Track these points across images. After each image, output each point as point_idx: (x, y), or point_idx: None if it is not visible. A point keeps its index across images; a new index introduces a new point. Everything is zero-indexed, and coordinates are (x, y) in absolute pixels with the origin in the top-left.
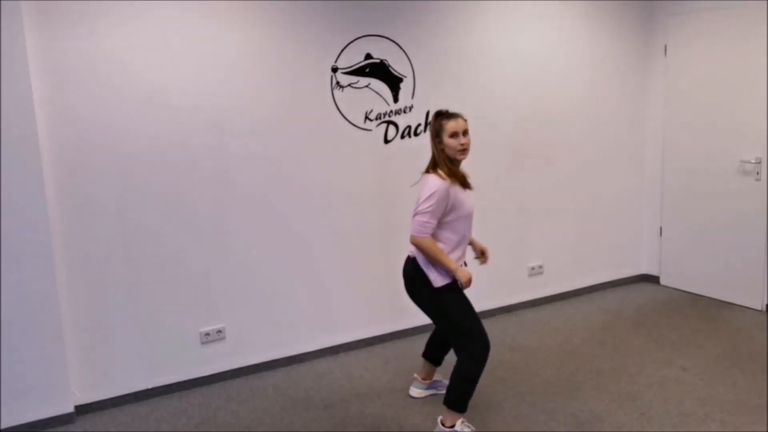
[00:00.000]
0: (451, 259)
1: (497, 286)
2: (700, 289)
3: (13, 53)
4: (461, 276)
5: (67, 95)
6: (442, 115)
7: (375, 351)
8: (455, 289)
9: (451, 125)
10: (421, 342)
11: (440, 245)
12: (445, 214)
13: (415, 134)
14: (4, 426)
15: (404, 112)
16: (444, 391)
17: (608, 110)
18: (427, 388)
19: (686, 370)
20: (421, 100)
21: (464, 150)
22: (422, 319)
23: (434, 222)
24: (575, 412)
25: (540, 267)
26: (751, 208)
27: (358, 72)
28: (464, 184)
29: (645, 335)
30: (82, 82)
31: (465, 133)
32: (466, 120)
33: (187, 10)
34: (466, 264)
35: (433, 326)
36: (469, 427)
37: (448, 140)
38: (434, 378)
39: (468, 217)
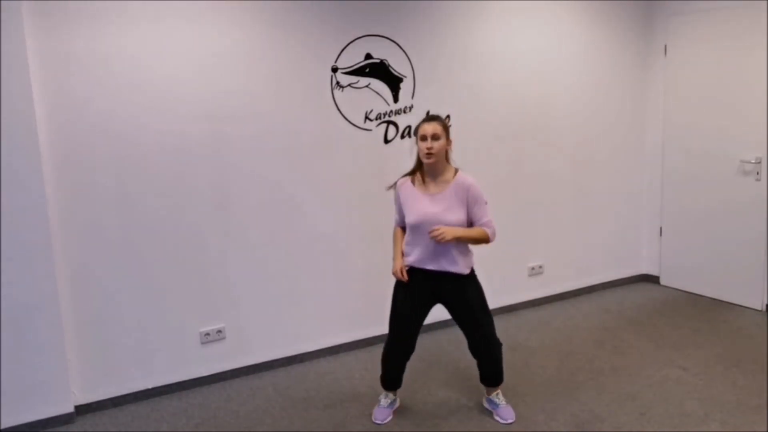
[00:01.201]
0: (397, 253)
1: (497, 286)
2: (700, 289)
3: (13, 53)
4: (394, 267)
5: (67, 93)
6: (423, 119)
7: (375, 351)
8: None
9: (423, 128)
10: (420, 342)
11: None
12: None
13: (414, 135)
14: (4, 426)
15: (404, 112)
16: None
17: (608, 110)
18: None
19: (686, 370)
20: (421, 100)
21: (429, 154)
22: None
23: (397, 216)
24: (575, 412)
25: (540, 267)
26: (751, 208)
27: (358, 72)
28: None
29: (645, 335)
30: (83, 79)
31: (434, 137)
32: (441, 125)
33: (188, 9)
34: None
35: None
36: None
37: (419, 143)
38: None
39: (414, 227)
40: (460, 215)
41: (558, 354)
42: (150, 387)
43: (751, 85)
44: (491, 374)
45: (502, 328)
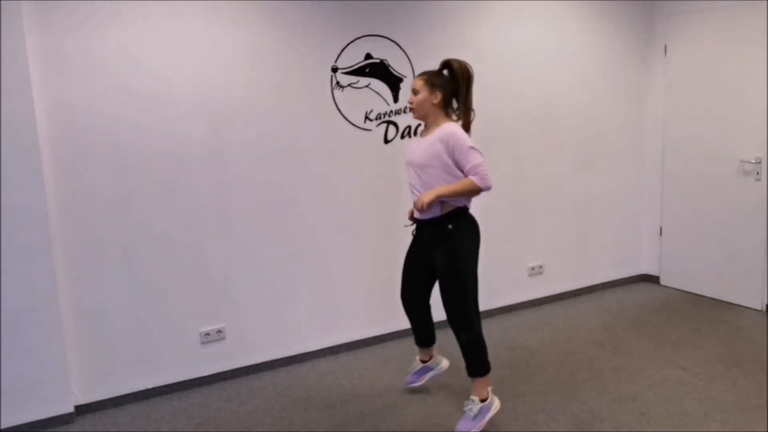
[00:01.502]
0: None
1: (497, 286)
2: (700, 289)
3: (13, 53)
4: None
5: (66, 93)
6: None
7: (375, 351)
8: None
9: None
10: None
11: None
12: None
13: (416, 134)
14: (4, 426)
15: (404, 112)
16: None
17: (608, 110)
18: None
19: (686, 370)
20: None
21: (411, 109)
22: None
23: None
24: (575, 412)
25: (540, 267)
26: (751, 208)
27: (358, 72)
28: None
29: (645, 335)
30: (83, 79)
31: (413, 92)
32: (425, 79)
33: (188, 8)
34: (414, 221)
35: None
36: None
37: None
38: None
39: (408, 165)
40: (422, 158)
41: (558, 354)
42: (150, 387)
43: (751, 85)
44: (465, 357)
45: (502, 327)
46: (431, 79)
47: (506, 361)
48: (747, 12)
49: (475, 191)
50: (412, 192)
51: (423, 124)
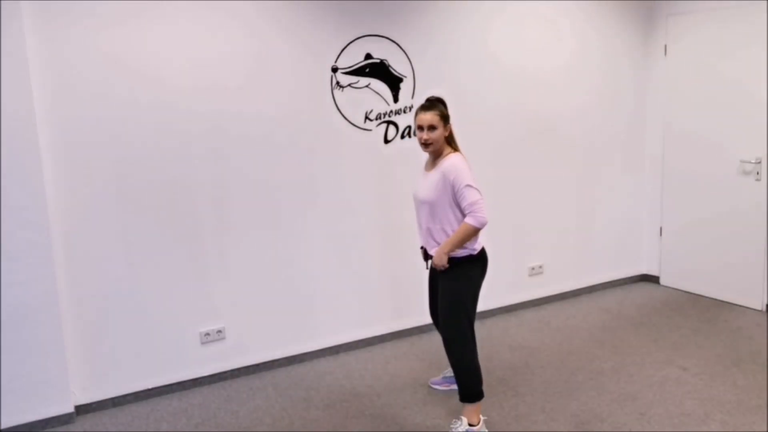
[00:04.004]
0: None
1: (497, 286)
2: (700, 289)
3: (13, 53)
4: None
5: (67, 93)
6: (421, 105)
7: (375, 351)
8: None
9: (419, 117)
10: (421, 342)
11: None
12: None
13: (416, 134)
14: (4, 426)
15: (404, 112)
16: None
17: (608, 110)
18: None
19: (686, 370)
20: (421, 100)
21: (426, 145)
22: (422, 318)
23: None
24: (575, 412)
25: (540, 267)
26: (751, 208)
27: (358, 72)
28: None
29: (645, 335)
30: (83, 82)
31: (431, 128)
32: (438, 114)
33: (188, 9)
34: (426, 255)
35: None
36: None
37: (417, 130)
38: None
39: (415, 201)
40: (432, 195)
41: (558, 354)
42: (150, 387)
43: (751, 84)
44: (456, 380)
45: (501, 328)
46: (443, 111)
47: (506, 361)
48: (747, 12)
49: (473, 232)
50: (420, 226)
51: (430, 155)
